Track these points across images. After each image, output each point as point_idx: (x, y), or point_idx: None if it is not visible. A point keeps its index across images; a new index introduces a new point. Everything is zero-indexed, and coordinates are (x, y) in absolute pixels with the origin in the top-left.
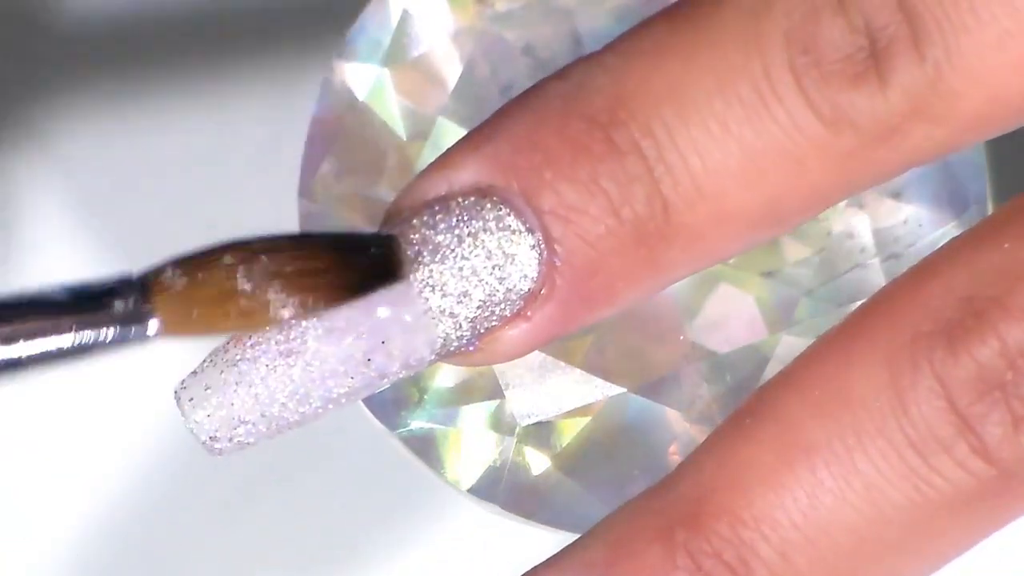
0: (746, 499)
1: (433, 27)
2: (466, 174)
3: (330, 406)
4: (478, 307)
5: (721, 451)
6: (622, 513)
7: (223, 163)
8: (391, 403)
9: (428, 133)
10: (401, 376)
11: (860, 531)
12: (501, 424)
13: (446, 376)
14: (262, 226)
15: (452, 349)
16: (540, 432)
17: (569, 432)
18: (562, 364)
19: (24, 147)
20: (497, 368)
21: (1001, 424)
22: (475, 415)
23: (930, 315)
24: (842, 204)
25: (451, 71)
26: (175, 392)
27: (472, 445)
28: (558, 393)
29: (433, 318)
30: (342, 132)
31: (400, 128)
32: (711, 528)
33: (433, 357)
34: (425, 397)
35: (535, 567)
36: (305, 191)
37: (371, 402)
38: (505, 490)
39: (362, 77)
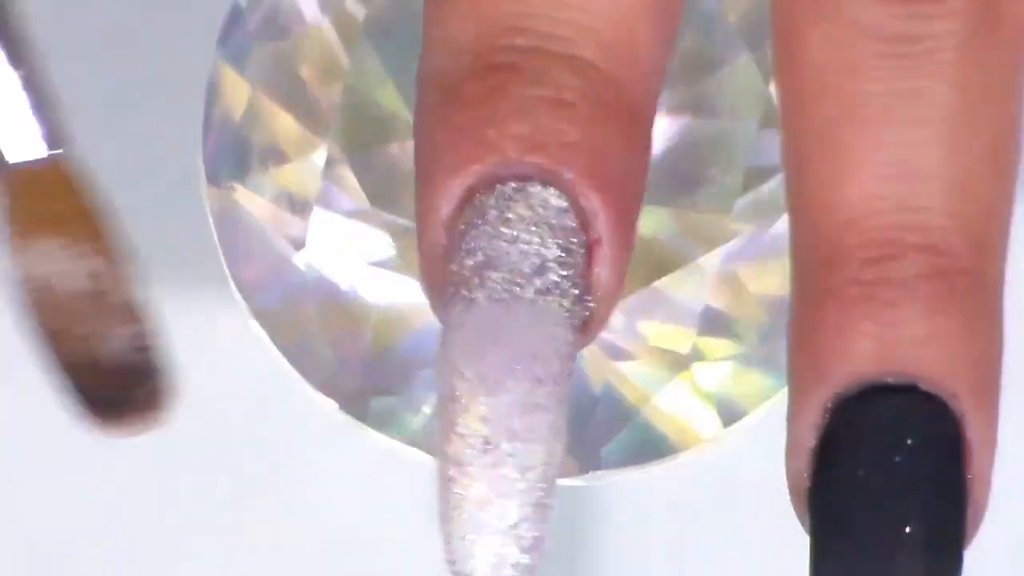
0: (840, 205)
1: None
2: (446, 206)
3: (552, 443)
4: (560, 263)
5: (795, 206)
6: (791, 328)
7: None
8: None
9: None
10: (570, 371)
11: (933, 132)
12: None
13: None
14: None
15: (578, 313)
16: None
17: None
18: None
19: None
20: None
21: None
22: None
23: None
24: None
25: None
26: (453, 573)
27: None
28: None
29: (542, 301)
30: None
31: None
32: (841, 251)
33: (575, 335)
34: None
35: (787, 427)
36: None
37: None
38: None
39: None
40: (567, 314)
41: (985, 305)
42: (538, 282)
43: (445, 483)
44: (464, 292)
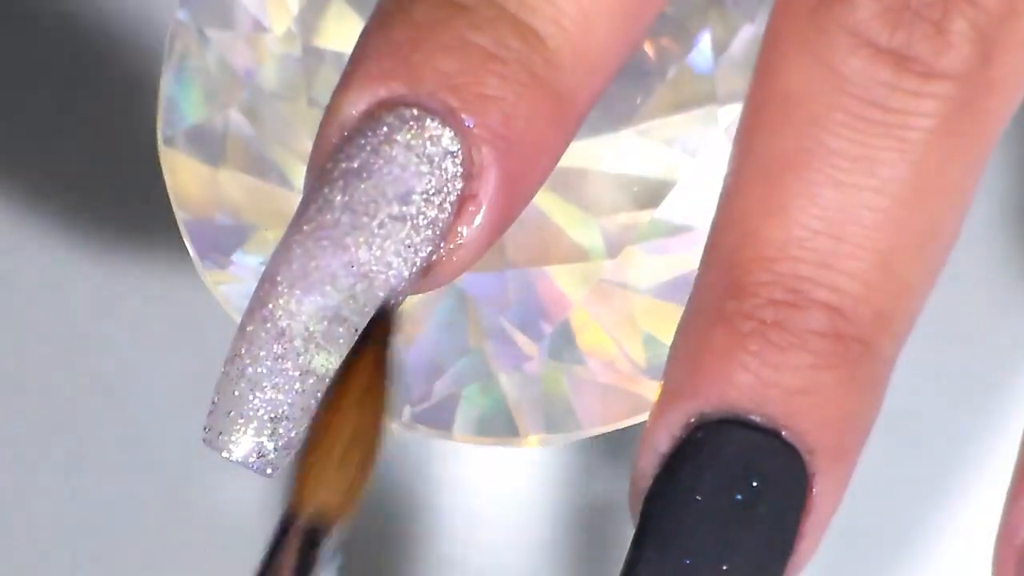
0: (762, 240)
1: None
2: (351, 109)
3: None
4: (424, 200)
5: (721, 221)
6: (677, 334)
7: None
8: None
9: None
10: (393, 304)
11: (874, 203)
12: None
13: None
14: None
15: (424, 256)
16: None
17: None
18: None
19: None
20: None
21: (927, 38)
22: None
23: None
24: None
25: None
26: (205, 440)
27: None
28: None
29: (392, 227)
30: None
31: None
32: (749, 283)
33: (412, 274)
34: None
35: (645, 427)
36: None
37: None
38: None
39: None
40: (412, 250)
41: (872, 377)
42: (396, 208)
43: (231, 356)
44: (326, 190)
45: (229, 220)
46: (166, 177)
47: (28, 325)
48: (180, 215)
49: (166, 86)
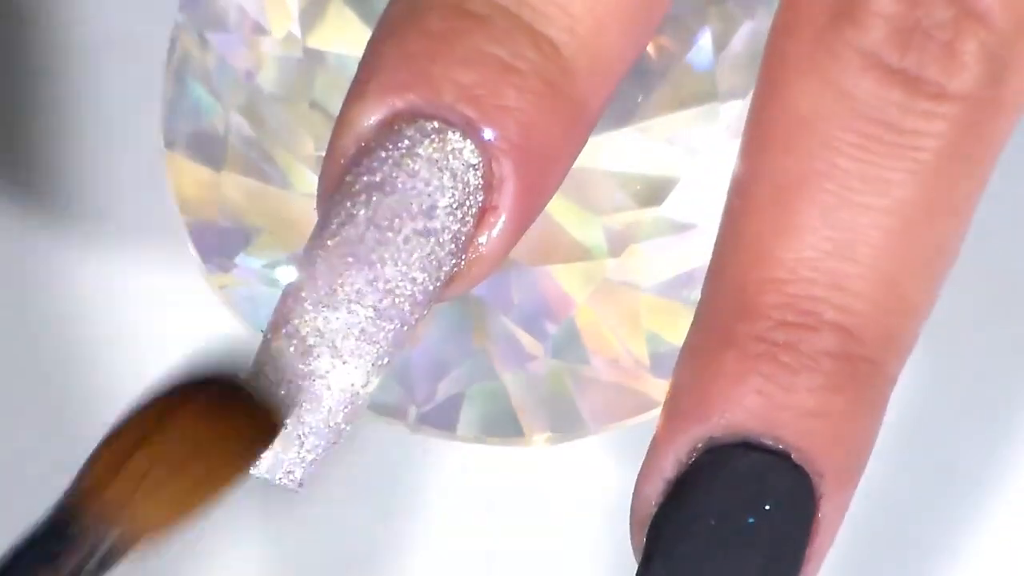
0: (774, 261)
1: None
2: (366, 119)
3: (371, 377)
4: (448, 214)
5: (729, 242)
6: (683, 356)
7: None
8: None
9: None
10: (419, 316)
11: (886, 223)
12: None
13: None
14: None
15: (448, 268)
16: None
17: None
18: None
19: None
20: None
21: (938, 59)
22: None
23: (816, 9)
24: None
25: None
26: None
27: None
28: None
29: (417, 242)
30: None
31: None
32: (761, 304)
33: (437, 286)
34: None
35: (648, 451)
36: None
37: None
38: None
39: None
40: (436, 264)
41: (877, 397)
42: (421, 223)
43: (257, 369)
44: (348, 204)
45: (231, 223)
46: (169, 180)
47: (29, 327)
48: (183, 218)
49: (167, 90)
